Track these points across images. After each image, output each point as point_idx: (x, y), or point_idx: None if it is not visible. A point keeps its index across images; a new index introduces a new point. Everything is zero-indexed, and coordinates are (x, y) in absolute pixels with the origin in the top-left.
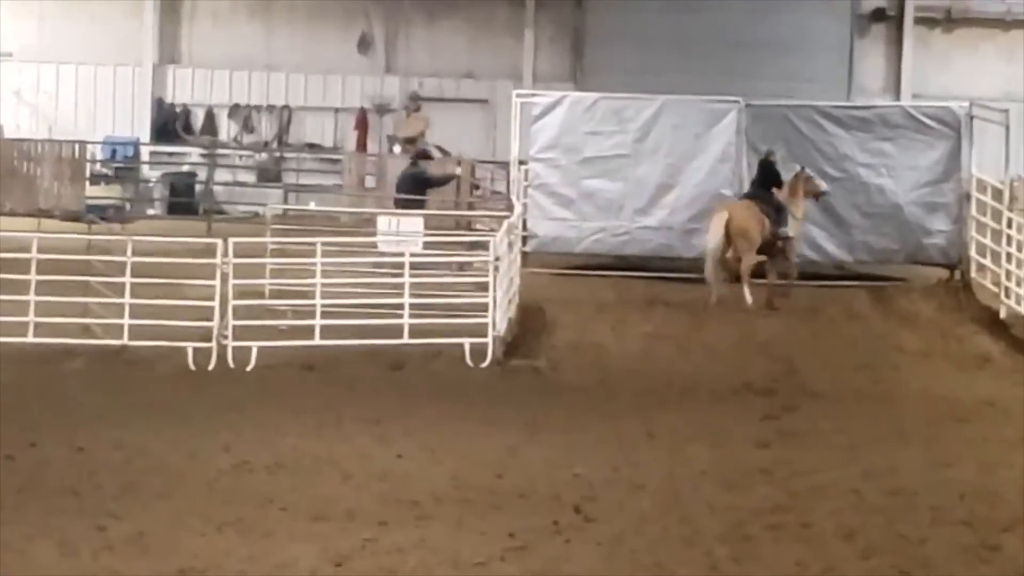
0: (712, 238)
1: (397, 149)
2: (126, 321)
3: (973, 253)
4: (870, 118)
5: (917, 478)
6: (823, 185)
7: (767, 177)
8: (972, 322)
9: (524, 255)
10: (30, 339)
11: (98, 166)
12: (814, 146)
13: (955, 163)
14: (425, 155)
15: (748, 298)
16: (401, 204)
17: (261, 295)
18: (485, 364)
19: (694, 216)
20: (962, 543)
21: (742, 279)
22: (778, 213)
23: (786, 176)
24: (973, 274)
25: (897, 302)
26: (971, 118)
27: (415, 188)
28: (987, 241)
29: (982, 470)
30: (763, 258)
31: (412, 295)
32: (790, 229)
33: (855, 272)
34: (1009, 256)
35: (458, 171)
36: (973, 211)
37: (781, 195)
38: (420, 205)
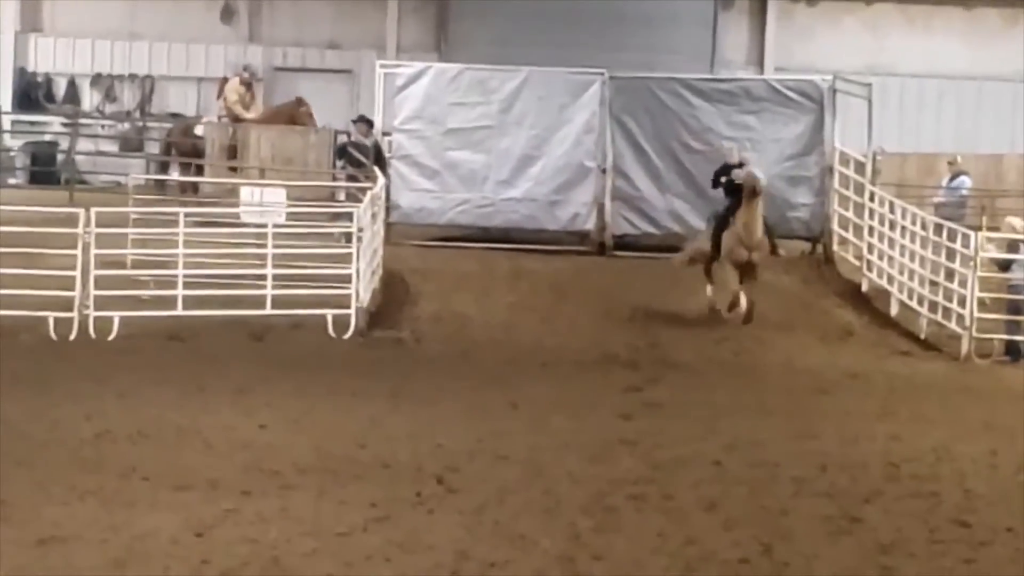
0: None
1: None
2: None
3: (835, 226)
4: (734, 91)
5: (779, 450)
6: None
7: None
8: (834, 295)
9: (388, 226)
10: None
11: None
12: (678, 118)
13: (818, 136)
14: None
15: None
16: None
17: (123, 265)
18: (348, 335)
19: (558, 187)
20: (824, 514)
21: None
22: None
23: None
24: (835, 247)
25: (760, 275)
26: (834, 91)
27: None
28: (849, 214)
29: (844, 442)
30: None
31: (275, 265)
32: None
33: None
34: (871, 229)
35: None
36: (836, 184)
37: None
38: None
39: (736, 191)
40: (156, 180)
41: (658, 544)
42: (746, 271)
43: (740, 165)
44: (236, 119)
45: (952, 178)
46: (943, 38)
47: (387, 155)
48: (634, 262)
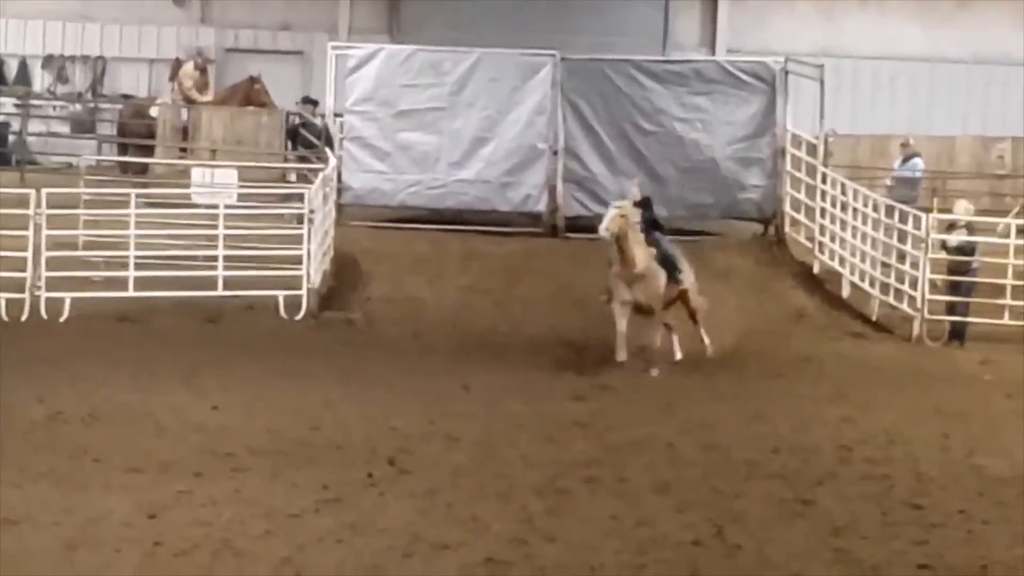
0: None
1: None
2: None
3: (788, 208)
4: (686, 72)
5: (731, 433)
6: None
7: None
8: (787, 277)
9: (339, 207)
10: None
11: None
12: (630, 101)
13: (770, 118)
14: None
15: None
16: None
17: (75, 246)
18: (299, 316)
19: (510, 169)
20: (777, 497)
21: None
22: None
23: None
24: (787, 229)
25: (713, 257)
26: (786, 73)
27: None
28: (801, 196)
29: (796, 425)
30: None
31: (226, 247)
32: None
33: (670, 227)
34: (823, 211)
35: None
36: (788, 166)
37: None
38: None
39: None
40: (107, 161)
41: (611, 526)
42: (646, 313)
43: (645, 202)
44: (191, 102)
45: (905, 160)
46: (897, 20)
47: (338, 136)
48: (586, 244)
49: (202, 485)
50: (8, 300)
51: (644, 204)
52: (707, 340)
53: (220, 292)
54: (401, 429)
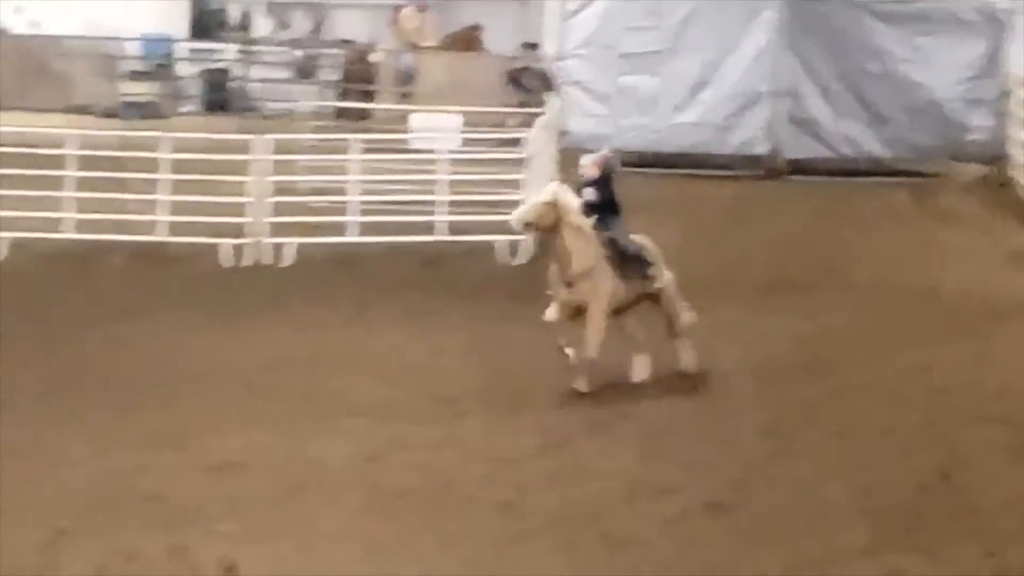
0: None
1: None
2: (164, 218)
3: (1014, 150)
4: (911, 13)
5: (954, 376)
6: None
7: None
8: (1012, 219)
9: (560, 152)
10: (70, 235)
11: (134, 63)
12: (854, 42)
13: (997, 59)
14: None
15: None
16: None
17: (296, 192)
18: (518, 262)
19: (731, 112)
20: (1002, 442)
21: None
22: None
23: None
24: (1014, 171)
25: (937, 199)
26: (1013, 13)
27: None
28: None
29: (1020, 369)
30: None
31: (447, 192)
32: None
33: (893, 169)
34: None
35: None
36: (1014, 107)
37: None
38: None
39: (598, 209)
40: (328, 107)
41: (834, 470)
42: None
43: (601, 180)
44: (413, 47)
45: None
46: None
47: (559, 81)
48: (809, 187)
49: (422, 429)
50: (232, 246)
51: (601, 183)
52: (687, 356)
53: (439, 237)
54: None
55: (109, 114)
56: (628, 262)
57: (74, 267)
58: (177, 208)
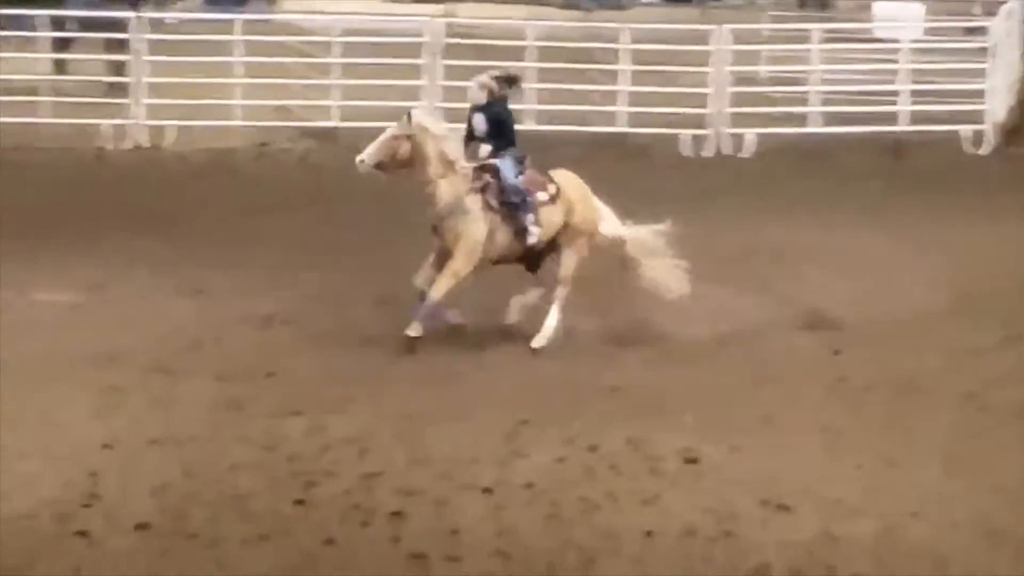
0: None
1: None
2: (624, 108)
3: None
4: None
5: None
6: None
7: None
8: None
9: None
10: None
11: None
12: None
13: None
14: None
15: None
16: None
17: (756, 82)
18: (984, 151)
19: None
20: None
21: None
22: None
23: None
24: None
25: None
26: None
27: None
28: None
29: None
30: None
31: (909, 81)
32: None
33: None
34: None
35: None
36: None
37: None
38: None
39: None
40: None
41: None
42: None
43: (493, 105)
44: None
45: None
46: None
47: None
48: None
49: (880, 327)
50: (691, 136)
51: (491, 109)
52: (548, 322)
53: (902, 127)
54: None
55: (569, 5)
56: (511, 208)
57: None
58: (636, 99)
